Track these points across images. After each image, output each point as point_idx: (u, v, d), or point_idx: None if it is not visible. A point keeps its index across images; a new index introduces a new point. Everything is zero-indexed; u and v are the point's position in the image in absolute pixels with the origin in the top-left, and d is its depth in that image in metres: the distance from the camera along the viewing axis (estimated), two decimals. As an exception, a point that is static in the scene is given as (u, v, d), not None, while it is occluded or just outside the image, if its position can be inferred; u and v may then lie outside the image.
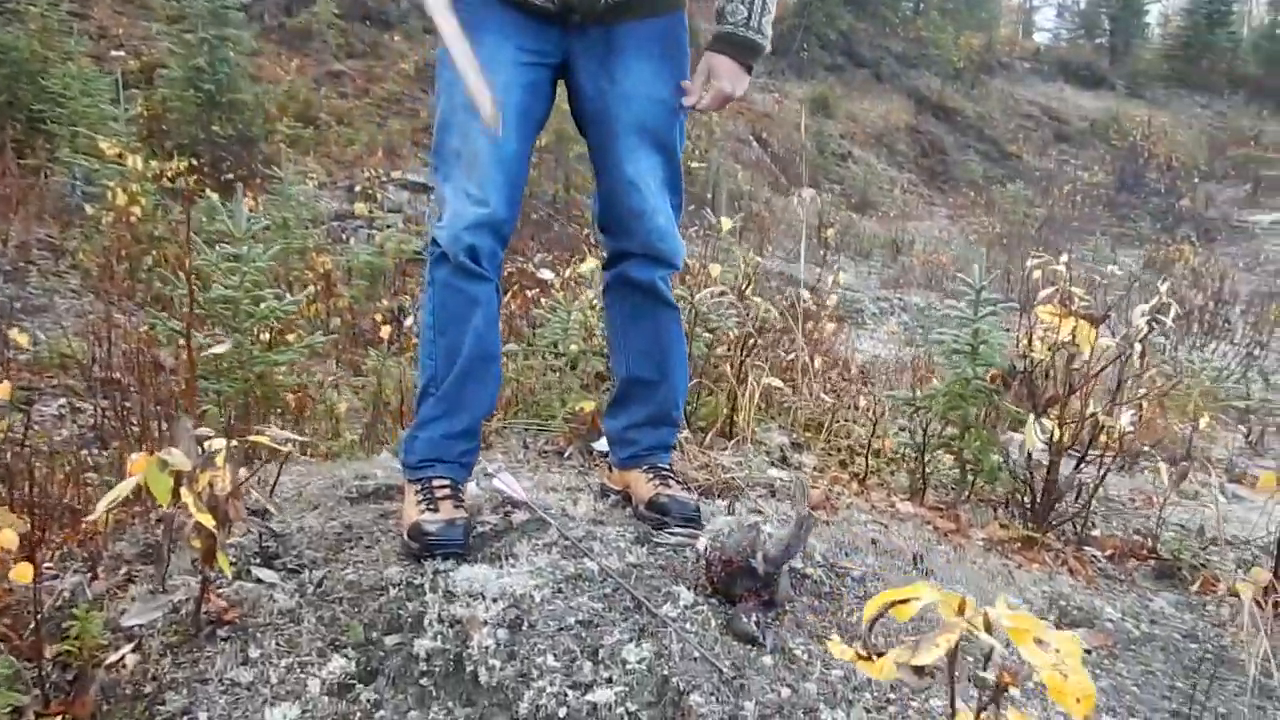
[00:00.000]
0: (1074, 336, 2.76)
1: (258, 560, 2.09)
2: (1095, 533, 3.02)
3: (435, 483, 2.10)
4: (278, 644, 1.83)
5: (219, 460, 1.74)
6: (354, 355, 5.47)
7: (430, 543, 1.99)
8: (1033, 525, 2.83)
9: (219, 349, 1.83)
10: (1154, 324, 2.77)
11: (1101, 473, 2.85)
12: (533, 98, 2.07)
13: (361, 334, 6.01)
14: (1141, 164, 18.15)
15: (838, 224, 11.79)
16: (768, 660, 1.73)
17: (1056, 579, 2.55)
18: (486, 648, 1.78)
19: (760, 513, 2.61)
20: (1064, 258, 2.88)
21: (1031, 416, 2.78)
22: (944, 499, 3.02)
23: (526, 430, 3.23)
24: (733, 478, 2.80)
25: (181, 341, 2.59)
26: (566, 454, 3.08)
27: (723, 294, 3.26)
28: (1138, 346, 2.80)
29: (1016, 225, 13.47)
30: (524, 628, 1.82)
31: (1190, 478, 3.58)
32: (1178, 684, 2.10)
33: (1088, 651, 2.17)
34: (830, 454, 3.29)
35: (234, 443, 1.84)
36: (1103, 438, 2.84)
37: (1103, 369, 2.82)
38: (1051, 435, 2.78)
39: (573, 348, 3.33)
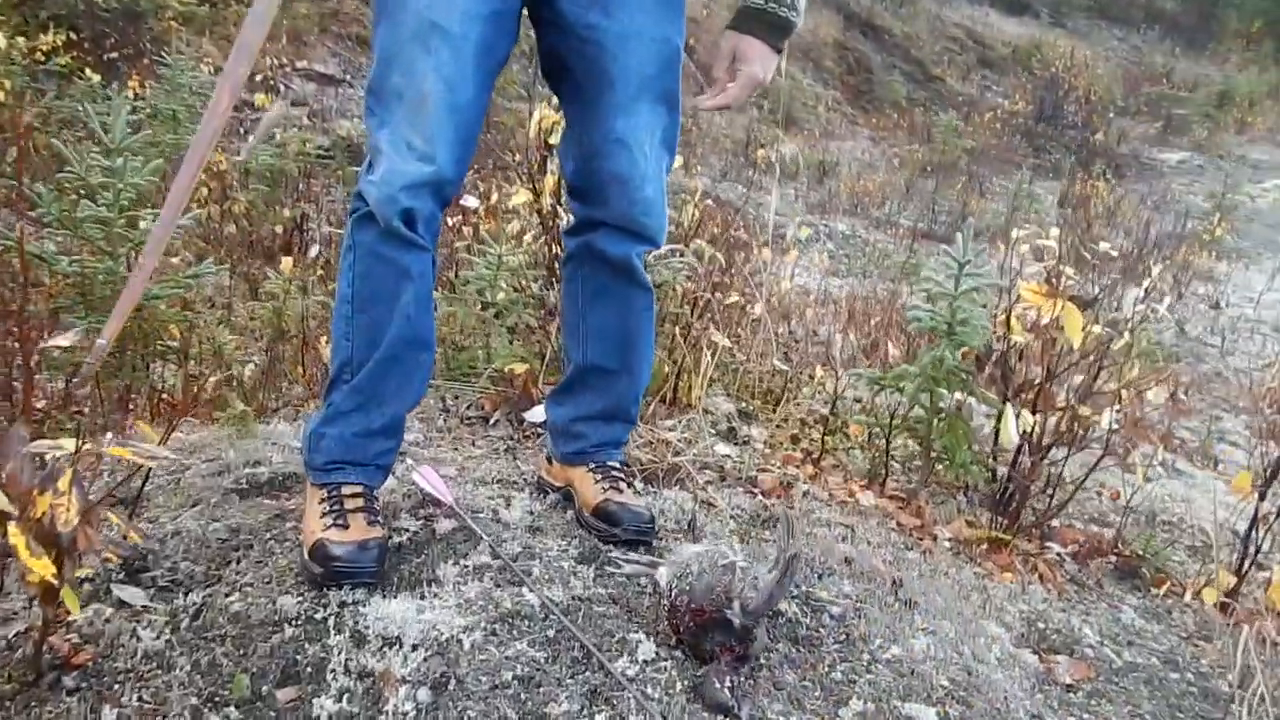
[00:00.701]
0: (1060, 321, 2.50)
1: (120, 574, 1.72)
2: (1054, 522, 2.81)
3: (345, 490, 1.74)
4: (140, 699, 1.47)
5: (63, 482, 1.35)
6: (250, 269, 4.99)
7: (337, 570, 1.65)
8: (1001, 524, 2.60)
9: (63, 340, 1.42)
10: (1150, 310, 2.53)
11: (1062, 464, 2.63)
12: (496, 32, 1.66)
13: (260, 244, 5.51)
14: (1061, 96, 18.11)
15: (769, 144, 11.42)
16: (745, 713, 1.45)
17: (1030, 592, 2.33)
18: (404, 715, 1.45)
19: (712, 504, 2.33)
20: (1054, 233, 2.61)
21: (1009, 407, 2.53)
22: (903, 485, 2.77)
23: (446, 389, 2.86)
24: (680, 460, 2.49)
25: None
26: (493, 420, 2.73)
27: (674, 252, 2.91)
28: (1127, 336, 2.56)
29: (944, 154, 13.27)
30: (450, 686, 1.50)
31: (1136, 452, 3.42)
32: (1169, 729, 1.90)
33: (1070, 689, 1.95)
34: (780, 425, 3.01)
35: (87, 445, 1.45)
36: (1080, 430, 2.62)
37: (1091, 359, 2.58)
38: (1031, 430, 2.54)
39: (500, 296, 2.96)
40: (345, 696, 1.49)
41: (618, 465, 2.02)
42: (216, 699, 1.49)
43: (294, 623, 1.61)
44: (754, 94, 1.76)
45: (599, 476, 1.98)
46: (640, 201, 1.80)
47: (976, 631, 1.96)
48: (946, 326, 2.56)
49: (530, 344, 3.02)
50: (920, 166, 12.90)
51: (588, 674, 1.53)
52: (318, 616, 1.62)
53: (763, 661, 1.62)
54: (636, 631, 1.63)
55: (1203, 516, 3.62)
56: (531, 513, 2.02)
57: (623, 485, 1.97)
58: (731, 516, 2.29)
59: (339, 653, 1.56)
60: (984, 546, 2.50)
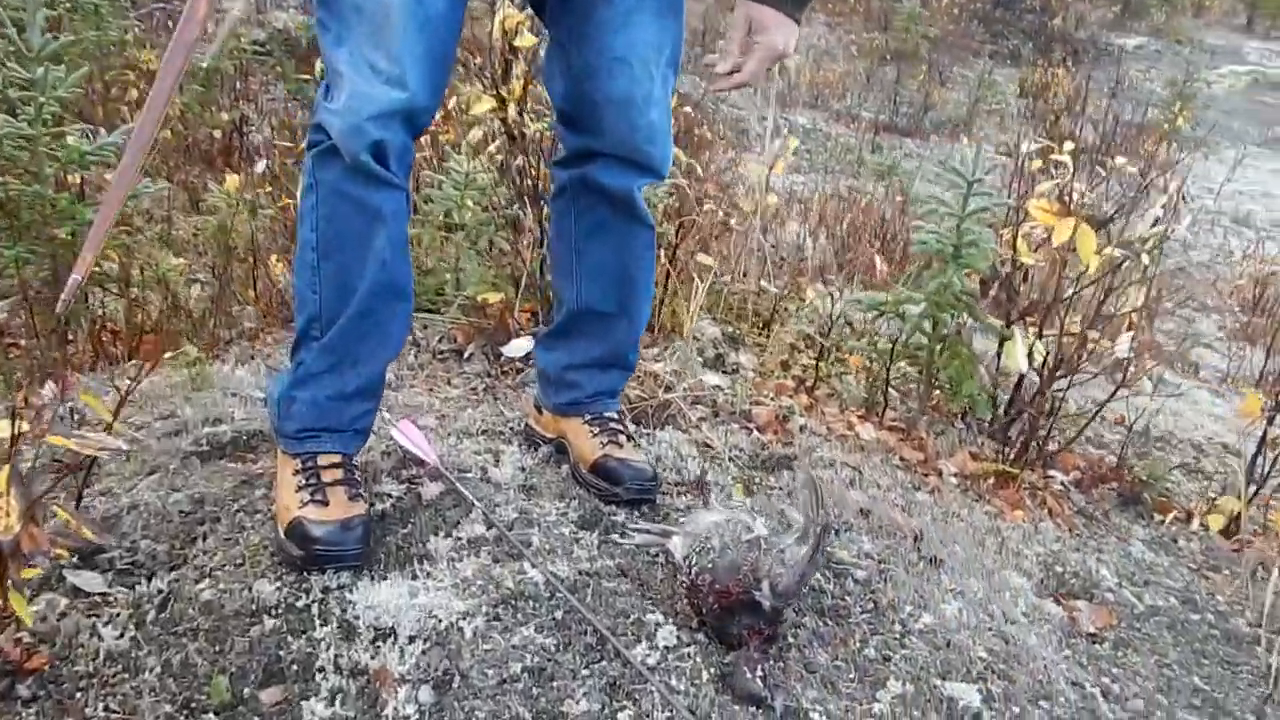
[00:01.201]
0: (1072, 242, 2.35)
1: (73, 556, 1.53)
2: (1053, 447, 2.72)
3: (321, 461, 1.57)
4: (107, 709, 1.31)
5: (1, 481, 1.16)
6: (189, 177, 4.68)
7: (319, 554, 1.48)
8: (1006, 456, 2.49)
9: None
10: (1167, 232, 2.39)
11: (1064, 391, 2.51)
12: None
13: (197, 148, 5.17)
14: (1019, -22, 17.73)
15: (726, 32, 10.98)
16: (779, 707, 1.33)
17: (1043, 531, 2.23)
18: (405, 719, 1.31)
19: (709, 445, 2.18)
20: (1067, 148, 2.44)
21: (1019, 333, 2.40)
22: (902, 415, 2.65)
23: (415, 319, 2.66)
24: (671, 397, 2.34)
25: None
26: (467, 354, 2.55)
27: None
28: (1145, 259, 2.42)
29: (904, 42, 12.92)
30: (454, 683, 1.35)
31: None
32: (1195, 679, 1.82)
33: (1095, 639, 1.86)
34: (769, 351, 2.86)
35: (25, 426, 1.26)
36: (1088, 357, 2.50)
37: (1103, 282, 2.44)
38: (1045, 360, 2.42)
39: (469, 217, 2.74)
40: (338, 698, 1.34)
41: (615, 416, 1.86)
42: (193, 704, 1.33)
43: (274, 613, 1.45)
44: (773, 67, 1.56)
45: (595, 429, 1.82)
46: (644, 128, 1.60)
47: (1000, 585, 1.85)
48: (953, 249, 2.41)
49: (502, 268, 2.82)
50: (879, 55, 12.57)
51: (604, 664, 1.39)
52: (299, 605, 1.46)
53: (790, 640, 1.49)
54: (654, 611, 1.49)
55: (1192, 431, 3.57)
56: (523, 469, 1.86)
57: (622, 439, 1.81)
58: (731, 459, 2.15)
59: (327, 647, 1.40)
60: (990, 481, 2.40)
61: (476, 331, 2.59)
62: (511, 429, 2.03)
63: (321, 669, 1.38)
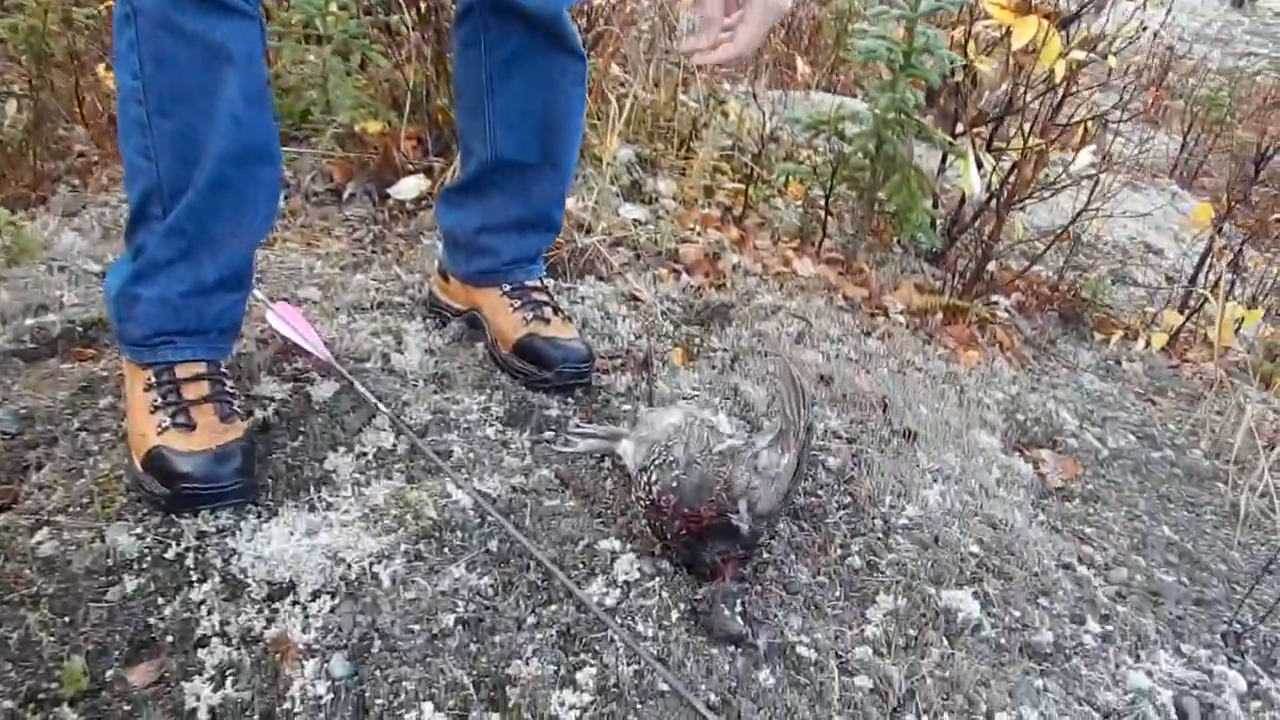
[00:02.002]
0: (1036, 44, 2.08)
1: None
2: (990, 266, 2.54)
3: (182, 373, 1.25)
4: (-73, 717, 1.03)
5: None
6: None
7: (188, 492, 1.19)
8: (954, 288, 2.30)
9: None
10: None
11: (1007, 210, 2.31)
12: None
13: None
14: None
15: None
16: (766, 677, 1.13)
17: (998, 372, 2.07)
18: (318, 701, 1.06)
19: (637, 298, 1.92)
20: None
21: (970, 153, 2.15)
22: (839, 245, 2.41)
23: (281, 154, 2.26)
24: (589, 242, 2.04)
25: None
26: (347, 195, 2.19)
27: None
28: (1111, 61, 2.16)
29: None
30: (374, 648, 1.11)
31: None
32: (1165, 529, 1.71)
33: (1065, 495, 1.73)
34: (689, 175, 2.55)
35: None
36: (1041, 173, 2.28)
37: (1062, 87, 2.19)
38: (1004, 180, 2.18)
39: (338, 28, 2.30)
40: (229, 676, 1.09)
41: (539, 285, 1.57)
42: (41, 696, 1.06)
43: (136, 568, 1.16)
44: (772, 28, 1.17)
45: (517, 302, 1.53)
46: None
47: (971, 448, 1.68)
48: (903, 57, 2.11)
49: (380, 88, 2.41)
50: None
51: (554, 607, 1.17)
52: (168, 557, 1.18)
53: (765, 555, 1.29)
54: (607, 535, 1.26)
55: (1117, 231, 3.45)
56: (431, 353, 1.56)
57: (548, 312, 1.53)
58: (664, 314, 1.89)
59: (209, 611, 1.13)
60: (939, 316, 2.20)
61: (357, 167, 2.22)
62: (412, 298, 1.72)
63: (204, 639, 1.11)
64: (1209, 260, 2.50)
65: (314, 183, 2.18)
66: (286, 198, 2.12)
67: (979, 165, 2.12)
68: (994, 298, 2.41)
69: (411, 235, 2.02)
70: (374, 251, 1.94)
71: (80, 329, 1.52)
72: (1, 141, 2.50)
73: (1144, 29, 2.15)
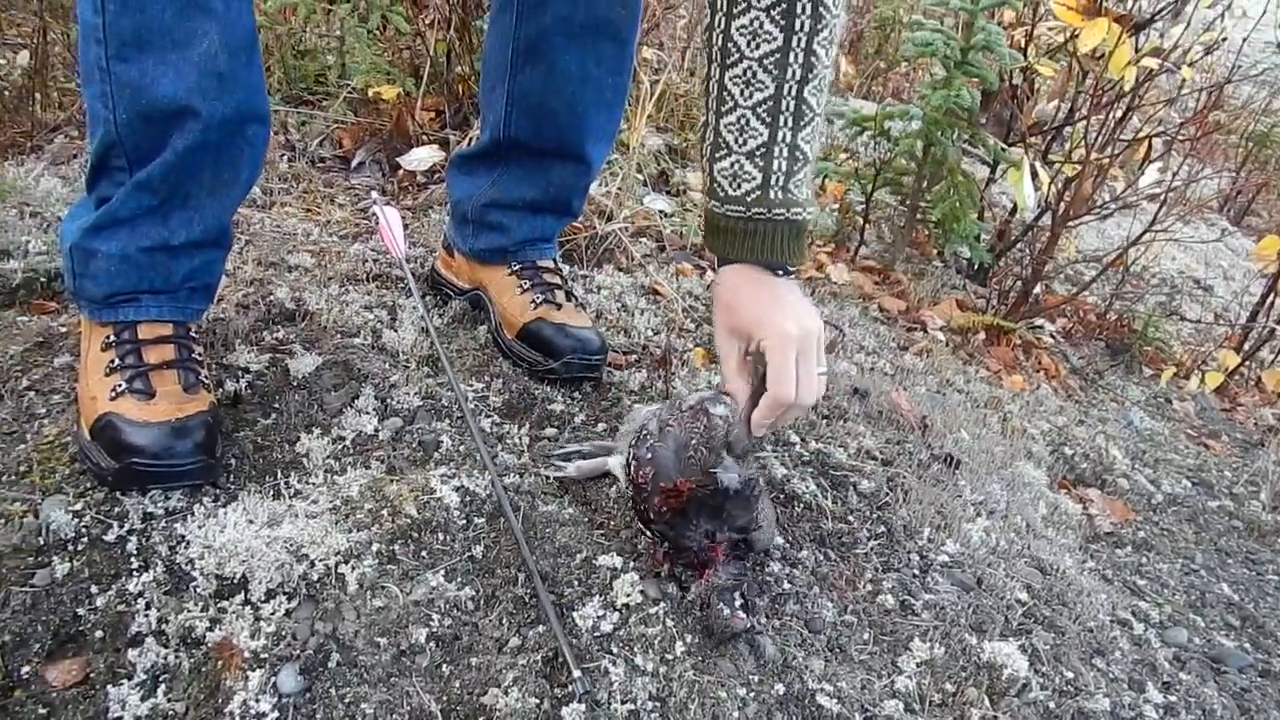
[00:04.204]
0: (1105, 50, 1.92)
1: None
2: (1037, 288, 2.38)
3: (144, 333, 1.10)
4: None
5: None
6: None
7: (138, 469, 1.04)
8: (995, 307, 2.14)
9: None
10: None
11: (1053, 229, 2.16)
12: None
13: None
14: None
15: None
16: (779, 689, 0.98)
17: (1043, 399, 1.92)
18: (258, 717, 0.91)
19: (658, 291, 1.77)
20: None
21: (1025, 162, 2.00)
22: (876, 253, 2.26)
23: (289, 115, 2.13)
24: (610, 229, 1.90)
25: None
26: (355, 163, 2.05)
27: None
28: (1186, 72, 2.00)
29: None
30: (330, 663, 0.96)
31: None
32: (1225, 586, 1.55)
33: (1115, 541, 1.57)
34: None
35: None
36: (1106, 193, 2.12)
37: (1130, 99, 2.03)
38: (1059, 194, 2.03)
39: (358, -14, 2.17)
40: (161, 682, 0.94)
41: (551, 265, 1.42)
42: (-54, 696, 0.92)
43: (70, 551, 1.02)
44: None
45: (526, 283, 1.38)
46: None
47: (1015, 481, 1.52)
48: (960, 53, 1.96)
49: (399, 54, 2.28)
50: None
51: (541, 629, 1.01)
52: (108, 540, 1.03)
53: (786, 584, 1.13)
54: (607, 550, 1.10)
55: (1166, 264, 3.29)
56: (427, 333, 1.41)
57: (560, 295, 1.38)
58: (685, 311, 1.74)
59: (147, 605, 0.99)
60: (980, 336, 2.05)
61: (367, 134, 2.07)
62: (413, 273, 1.58)
63: (137, 638, 0.97)
64: (1271, 299, 2.33)
65: (321, 148, 2.04)
66: (289, 161, 1.98)
67: (1034, 176, 1.96)
68: (1038, 321, 2.25)
69: (420, 208, 1.87)
70: (377, 222, 1.80)
71: (44, 279, 1.38)
72: (4, 90, 2.37)
73: (1224, 40, 1.99)
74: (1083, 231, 2.83)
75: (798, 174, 1.00)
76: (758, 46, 0.95)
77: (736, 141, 0.99)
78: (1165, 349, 2.43)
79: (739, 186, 1.00)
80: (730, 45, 0.96)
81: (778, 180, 0.99)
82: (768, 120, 0.98)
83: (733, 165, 1.00)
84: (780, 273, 1.03)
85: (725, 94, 0.98)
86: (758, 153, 0.99)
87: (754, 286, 1.03)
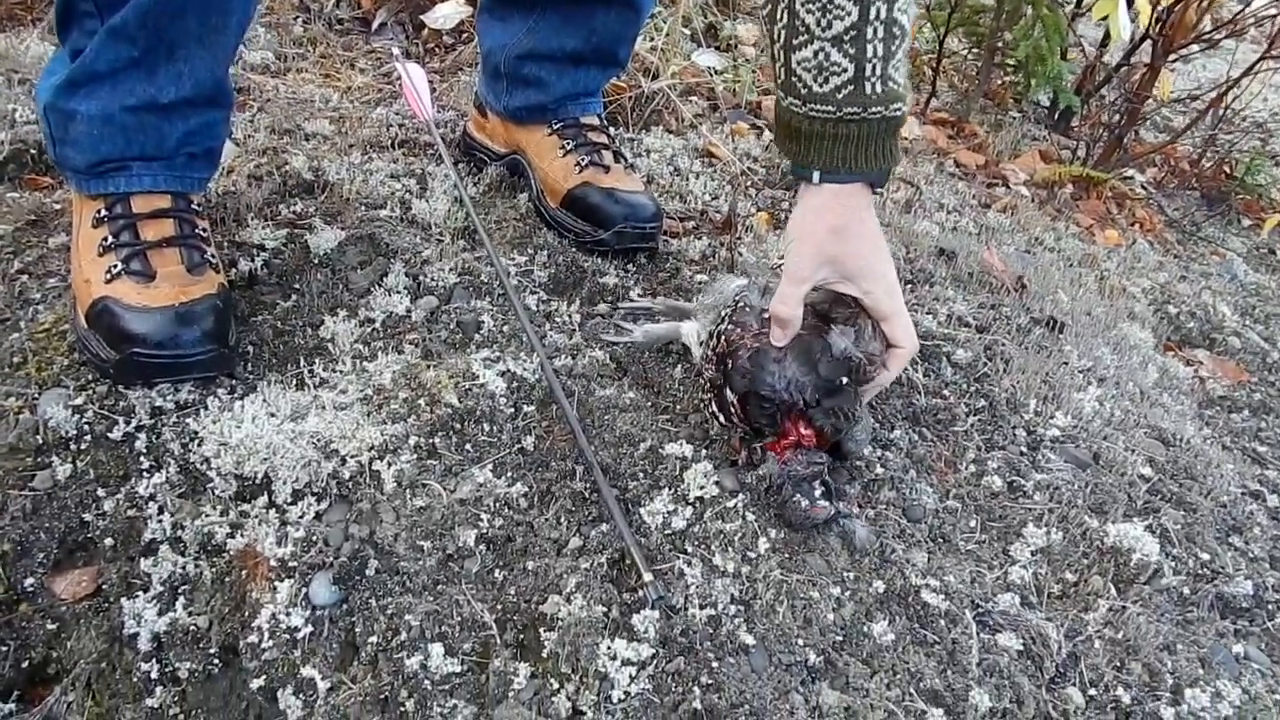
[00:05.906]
0: None
1: None
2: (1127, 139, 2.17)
3: (139, 207, 0.97)
4: None
5: None
6: None
7: (141, 360, 0.92)
8: (1083, 156, 1.94)
9: None
10: None
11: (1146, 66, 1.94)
12: None
13: None
14: None
15: None
16: (882, 631, 0.85)
17: (1141, 255, 1.74)
18: (290, 633, 0.81)
19: (713, 154, 1.61)
20: None
21: (1121, -11, 1.77)
22: (949, 104, 2.06)
23: (302, -23, 1.95)
24: (658, 87, 1.72)
25: None
26: (376, 25, 1.88)
27: None
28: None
29: None
30: (369, 569, 0.84)
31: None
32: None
33: (1230, 405, 1.41)
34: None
35: None
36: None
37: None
38: (1160, 22, 1.81)
39: None
40: (180, 596, 0.83)
41: (596, 123, 1.26)
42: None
43: (72, 450, 0.91)
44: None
45: (569, 144, 1.22)
46: None
47: (1120, 343, 1.36)
48: None
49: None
50: None
51: (605, 527, 0.89)
52: (114, 437, 0.92)
53: (880, 471, 0.99)
54: (676, 439, 0.97)
55: (1250, 101, 3.03)
56: (461, 202, 1.27)
57: (608, 157, 1.22)
58: (743, 174, 1.58)
59: (159, 510, 0.88)
60: (1068, 189, 1.86)
61: (388, -7, 1.89)
62: (443, 138, 1.42)
63: (152, 545, 0.86)
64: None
65: (338, 8, 1.87)
66: (304, 25, 1.81)
67: (1129, 3, 1.74)
68: (1128, 171, 2.06)
69: (448, 70, 1.71)
70: (400, 82, 1.64)
71: (34, 151, 1.25)
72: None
73: None
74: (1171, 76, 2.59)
75: (896, 55, 0.81)
76: None
77: (819, 23, 0.80)
78: (1266, 196, 2.23)
79: (826, 81, 0.81)
80: None
81: (874, 69, 0.80)
82: None
83: (816, 54, 0.81)
84: (879, 190, 0.86)
85: None
86: (846, 36, 0.80)
87: (860, 225, 0.86)
